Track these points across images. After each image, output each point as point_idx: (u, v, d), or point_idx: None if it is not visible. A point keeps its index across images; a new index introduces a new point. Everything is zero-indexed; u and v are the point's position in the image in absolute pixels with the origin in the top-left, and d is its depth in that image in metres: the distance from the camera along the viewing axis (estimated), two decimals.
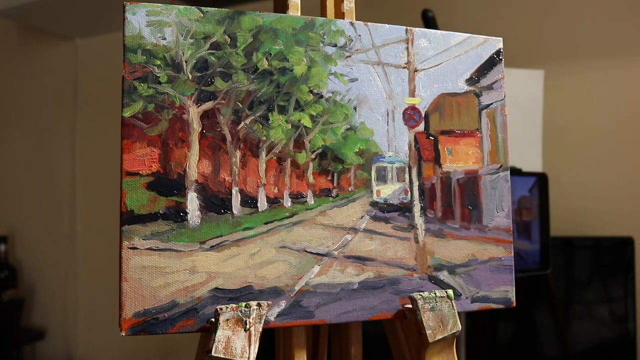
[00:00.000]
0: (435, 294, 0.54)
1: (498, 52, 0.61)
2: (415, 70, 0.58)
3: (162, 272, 0.48)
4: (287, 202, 0.54)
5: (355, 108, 0.56)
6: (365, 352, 0.61)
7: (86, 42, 2.22)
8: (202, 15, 0.52)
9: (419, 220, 0.57)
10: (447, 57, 0.59)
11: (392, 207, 0.57)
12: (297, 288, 0.52)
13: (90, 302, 2.13)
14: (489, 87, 0.61)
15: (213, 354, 0.46)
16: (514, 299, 0.59)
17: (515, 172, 1.11)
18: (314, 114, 0.55)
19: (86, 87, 2.19)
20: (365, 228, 0.56)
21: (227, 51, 0.52)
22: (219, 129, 0.52)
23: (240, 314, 0.48)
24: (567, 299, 1.39)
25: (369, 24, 0.57)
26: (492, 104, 0.61)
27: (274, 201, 0.54)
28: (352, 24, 0.57)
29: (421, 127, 0.58)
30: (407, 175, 0.58)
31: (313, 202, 0.55)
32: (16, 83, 2.31)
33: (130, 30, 0.49)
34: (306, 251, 0.53)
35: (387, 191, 0.57)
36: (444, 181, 0.59)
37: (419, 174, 0.58)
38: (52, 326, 2.20)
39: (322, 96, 0.55)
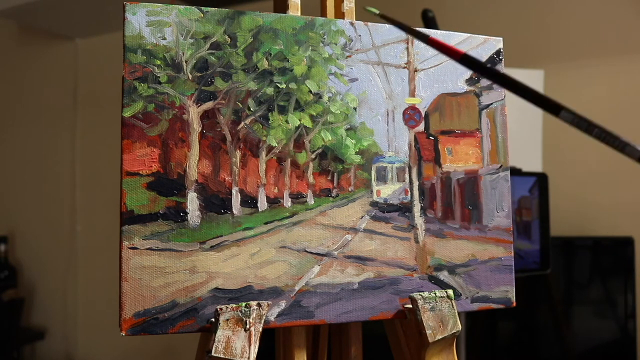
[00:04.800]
0: (435, 294, 0.54)
1: (498, 52, 0.61)
2: (415, 70, 0.58)
3: (162, 272, 0.48)
4: (287, 202, 0.54)
5: (355, 108, 0.56)
6: (365, 352, 0.61)
7: (86, 42, 2.22)
8: (202, 15, 0.52)
9: (419, 220, 0.57)
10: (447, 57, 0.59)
11: (392, 207, 0.57)
12: (297, 288, 0.52)
13: (90, 302, 2.13)
14: (489, 87, 0.61)
15: (213, 354, 0.46)
16: (514, 299, 0.59)
17: (515, 172, 1.11)
18: (314, 114, 0.55)
19: (86, 87, 2.19)
20: (365, 228, 0.56)
21: (227, 51, 0.52)
22: (219, 129, 0.52)
23: (240, 314, 0.48)
24: (567, 299, 1.39)
25: (369, 24, 0.57)
26: (492, 104, 0.61)
27: (274, 201, 0.54)
28: (352, 24, 0.57)
29: (421, 127, 0.58)
30: (407, 175, 0.58)
31: (313, 202, 0.55)
32: (16, 83, 2.31)
33: (130, 30, 0.49)
34: (306, 251, 0.53)
35: (387, 191, 0.57)
36: (444, 181, 0.59)
37: (419, 174, 0.58)
38: (52, 326, 2.20)
39: (322, 96, 0.55)
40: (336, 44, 0.56)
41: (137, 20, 0.50)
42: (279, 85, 0.54)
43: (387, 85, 0.57)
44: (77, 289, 2.17)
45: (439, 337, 0.52)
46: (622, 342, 1.32)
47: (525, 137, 1.27)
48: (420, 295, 0.53)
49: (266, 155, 0.54)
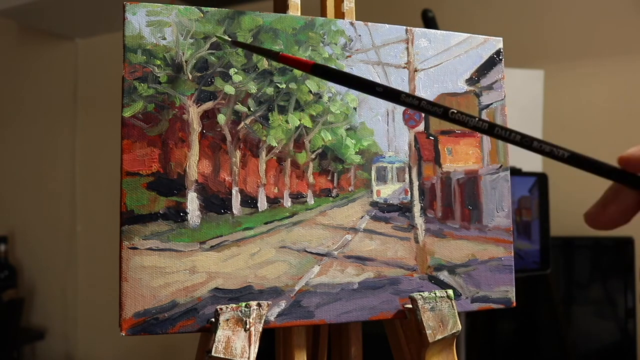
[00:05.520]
0: (435, 294, 0.54)
1: (498, 52, 0.61)
2: (415, 70, 0.58)
3: (162, 272, 0.48)
4: (287, 202, 0.54)
5: (355, 108, 0.56)
6: (365, 352, 0.61)
7: (86, 42, 2.22)
8: (202, 15, 0.52)
9: (419, 220, 0.57)
10: (447, 57, 0.59)
11: (392, 207, 0.57)
12: (297, 288, 0.52)
13: (90, 302, 2.13)
14: (489, 87, 0.61)
15: (213, 354, 0.46)
16: (514, 299, 0.59)
17: (515, 172, 1.11)
18: (314, 114, 0.55)
19: (86, 87, 2.19)
20: (365, 228, 0.56)
21: (227, 51, 0.52)
22: (219, 129, 0.52)
23: (240, 314, 0.48)
24: (567, 299, 1.39)
25: (369, 24, 0.57)
26: (492, 104, 0.61)
27: (274, 201, 0.54)
28: (352, 24, 0.57)
29: (421, 127, 0.58)
30: (407, 175, 0.58)
31: (313, 202, 0.55)
32: (16, 83, 2.31)
33: (130, 30, 0.49)
34: (306, 251, 0.53)
35: (387, 191, 0.57)
36: (444, 181, 0.59)
37: (419, 174, 0.58)
38: (52, 326, 2.20)
39: (322, 96, 0.55)
40: (336, 44, 0.56)
41: (137, 20, 0.50)
42: (279, 85, 0.54)
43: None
44: (77, 289, 2.17)
45: (439, 337, 0.52)
46: (622, 342, 1.33)
47: None
48: (420, 295, 0.53)
49: (266, 155, 0.54)
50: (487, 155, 0.60)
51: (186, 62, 0.51)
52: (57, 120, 2.22)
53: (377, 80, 0.57)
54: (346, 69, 0.56)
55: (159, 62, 0.50)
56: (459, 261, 0.58)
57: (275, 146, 0.54)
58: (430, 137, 0.59)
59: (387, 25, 0.58)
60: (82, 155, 2.19)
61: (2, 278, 2.11)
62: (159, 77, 0.50)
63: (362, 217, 0.56)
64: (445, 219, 0.58)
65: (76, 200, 2.19)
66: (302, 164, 0.55)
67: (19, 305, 2.12)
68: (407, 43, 0.58)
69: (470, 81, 0.60)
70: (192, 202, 0.50)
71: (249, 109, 0.53)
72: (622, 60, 1.47)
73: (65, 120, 2.22)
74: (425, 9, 1.23)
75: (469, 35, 0.60)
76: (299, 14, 0.57)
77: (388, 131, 0.57)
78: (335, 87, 0.56)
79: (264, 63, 0.54)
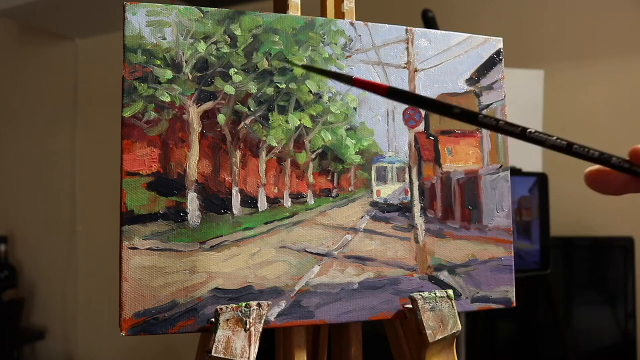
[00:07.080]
0: (435, 294, 0.54)
1: (498, 52, 0.61)
2: (415, 70, 0.58)
3: (162, 272, 0.48)
4: (287, 202, 0.54)
5: (355, 108, 0.56)
6: (365, 352, 0.61)
7: (86, 42, 2.22)
8: (202, 15, 0.52)
9: (419, 220, 0.57)
10: (447, 57, 0.59)
11: (392, 207, 0.57)
12: (297, 288, 0.52)
13: (90, 302, 2.13)
14: (489, 87, 0.61)
15: (213, 354, 0.46)
16: (514, 299, 0.59)
17: (515, 172, 1.11)
18: (314, 114, 0.55)
19: (86, 87, 2.19)
20: (365, 228, 0.56)
21: (227, 51, 0.52)
22: (219, 129, 0.52)
23: (240, 314, 0.48)
24: (567, 299, 1.39)
25: (369, 24, 0.57)
26: (492, 104, 0.61)
27: (274, 201, 0.54)
28: (352, 24, 0.57)
29: (421, 127, 0.58)
30: (407, 175, 0.58)
31: (313, 202, 0.55)
32: (16, 83, 2.31)
33: (130, 30, 0.49)
34: (306, 251, 0.53)
35: (387, 191, 0.57)
36: (444, 181, 0.59)
37: (419, 174, 0.58)
38: (52, 326, 2.20)
39: (322, 96, 0.55)
40: (336, 44, 0.56)
41: (137, 20, 0.50)
42: (279, 85, 0.54)
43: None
44: (77, 289, 2.17)
45: (439, 337, 0.52)
46: (622, 342, 1.33)
47: None
48: (420, 295, 0.53)
49: (266, 155, 0.54)
50: (487, 155, 0.60)
51: (186, 62, 0.51)
52: (57, 120, 2.22)
53: (378, 80, 0.57)
54: (346, 69, 0.56)
55: (159, 62, 0.50)
56: (459, 261, 0.58)
57: (275, 146, 0.54)
58: (430, 137, 0.59)
59: (387, 25, 0.58)
60: (82, 155, 2.19)
61: (2, 278, 2.11)
62: (159, 77, 0.50)
63: (362, 217, 0.56)
64: (445, 219, 0.58)
65: (76, 200, 2.19)
66: (302, 164, 0.55)
67: (19, 305, 2.12)
68: (407, 43, 0.58)
69: (471, 81, 0.60)
70: (192, 202, 0.50)
71: (249, 109, 0.53)
72: (622, 60, 1.47)
73: (65, 120, 2.22)
74: (425, 9, 1.23)
75: (468, 35, 0.60)
76: (299, 14, 0.57)
77: (388, 131, 0.57)
78: (335, 87, 0.56)
79: (264, 63, 0.54)
